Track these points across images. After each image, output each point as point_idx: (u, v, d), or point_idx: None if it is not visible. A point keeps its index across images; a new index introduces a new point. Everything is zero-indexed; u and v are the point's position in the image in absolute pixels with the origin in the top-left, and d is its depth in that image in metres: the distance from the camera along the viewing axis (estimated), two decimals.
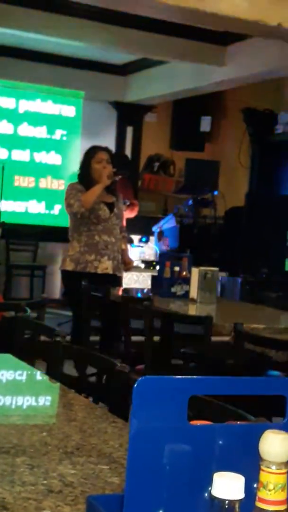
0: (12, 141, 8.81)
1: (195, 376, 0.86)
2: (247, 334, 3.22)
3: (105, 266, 4.83)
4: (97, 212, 4.80)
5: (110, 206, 4.89)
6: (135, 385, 0.83)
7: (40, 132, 8.96)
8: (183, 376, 0.85)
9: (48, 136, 9.01)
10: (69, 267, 4.85)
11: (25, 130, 8.88)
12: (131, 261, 5.23)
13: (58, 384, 2.09)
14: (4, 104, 8.80)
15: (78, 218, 4.80)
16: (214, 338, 3.55)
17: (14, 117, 8.83)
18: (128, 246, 6.15)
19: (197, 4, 4.95)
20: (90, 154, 4.94)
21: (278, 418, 2.72)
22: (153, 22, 6.47)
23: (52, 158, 9.01)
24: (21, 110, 8.87)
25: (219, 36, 6.95)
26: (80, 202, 4.71)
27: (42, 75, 8.44)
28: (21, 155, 8.85)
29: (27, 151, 8.89)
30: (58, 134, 9.06)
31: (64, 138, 9.09)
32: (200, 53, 7.42)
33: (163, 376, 0.85)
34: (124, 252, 5.07)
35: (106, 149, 4.98)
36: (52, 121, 9.02)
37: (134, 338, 4.05)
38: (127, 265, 5.08)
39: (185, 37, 7.16)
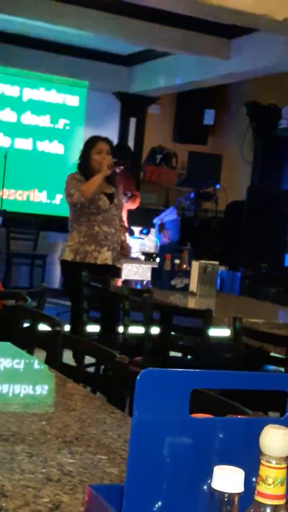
0: (15, 130, 8.79)
1: (197, 370, 0.86)
2: (246, 328, 3.23)
3: (105, 256, 4.83)
4: (97, 202, 4.80)
5: (110, 197, 4.90)
6: (138, 377, 0.83)
7: (44, 121, 8.95)
8: (186, 369, 0.85)
9: (51, 125, 8.99)
10: (69, 257, 4.85)
11: (29, 118, 8.87)
12: (128, 247, 5.25)
13: (57, 374, 2.10)
14: (8, 92, 8.77)
15: (78, 208, 4.80)
16: (213, 331, 3.56)
17: (17, 105, 8.81)
18: (128, 237, 6.16)
19: None
20: (90, 144, 4.94)
21: (274, 413, 2.72)
22: (159, 14, 6.45)
23: (55, 147, 9.00)
24: (24, 99, 8.85)
25: (224, 29, 6.93)
26: (80, 192, 4.71)
27: (47, 64, 8.42)
28: (24, 143, 8.84)
29: (30, 140, 8.87)
30: (62, 123, 9.05)
31: (67, 127, 9.08)
32: (205, 46, 7.40)
33: (165, 369, 0.85)
34: (123, 241, 5.09)
35: (106, 140, 4.98)
36: (55, 110, 9.00)
37: (132, 329, 4.06)
38: (124, 250, 5.08)
39: (190, 29, 7.15)
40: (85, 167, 4.85)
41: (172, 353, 3.96)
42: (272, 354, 3.33)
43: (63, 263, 4.98)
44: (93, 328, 4.51)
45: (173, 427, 0.85)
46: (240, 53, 7.32)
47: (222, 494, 0.79)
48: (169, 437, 0.84)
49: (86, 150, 4.92)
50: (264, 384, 0.91)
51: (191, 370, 0.86)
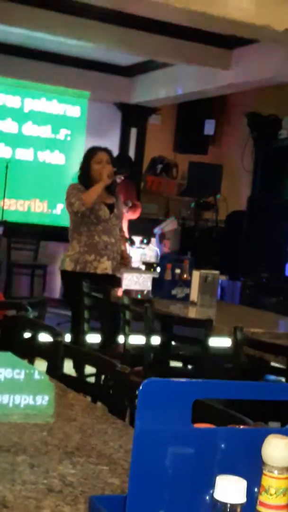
0: (16, 140, 8.81)
1: (199, 380, 0.86)
2: (247, 338, 3.22)
3: (105, 266, 4.84)
4: (97, 212, 4.82)
5: (110, 207, 4.91)
6: (140, 387, 0.83)
7: (45, 131, 8.96)
8: (188, 379, 0.85)
9: (53, 136, 9.01)
10: (69, 267, 4.86)
11: (30, 129, 8.89)
12: (128, 257, 5.26)
13: (58, 384, 2.10)
14: (9, 103, 8.80)
15: (79, 218, 4.81)
16: (213, 341, 3.56)
17: (18, 116, 8.83)
18: (128, 246, 6.16)
19: (205, 7, 4.96)
20: (90, 155, 4.96)
21: (275, 423, 2.72)
22: (159, 24, 6.48)
23: (56, 157, 9.01)
24: (26, 109, 8.87)
25: (225, 39, 6.95)
26: (81, 201, 4.73)
27: (48, 75, 8.44)
28: (25, 154, 8.85)
29: (31, 150, 8.89)
30: (63, 133, 9.06)
31: (68, 138, 9.09)
32: (206, 56, 7.42)
33: (168, 379, 0.85)
34: (123, 251, 5.10)
35: (105, 150, 5.01)
36: (56, 121, 9.02)
37: (133, 339, 4.05)
38: (124, 260, 5.09)
39: (191, 40, 7.17)
40: (86, 178, 4.87)
41: (173, 363, 3.95)
42: (272, 364, 3.32)
43: (64, 273, 4.98)
44: (93, 338, 4.51)
45: (175, 437, 0.85)
46: (241, 64, 7.34)
47: (224, 504, 0.78)
48: (171, 447, 0.84)
49: (86, 161, 4.95)
50: (265, 394, 0.91)
51: (193, 380, 0.86)
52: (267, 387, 0.92)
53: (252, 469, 0.83)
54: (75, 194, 4.80)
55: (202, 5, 4.96)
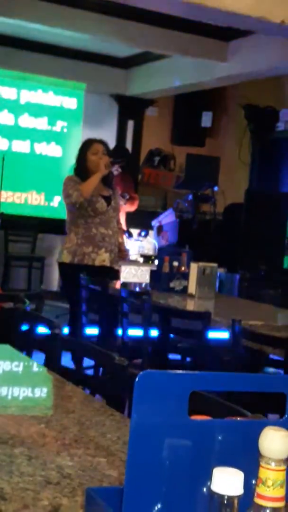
0: (13, 132, 8.79)
1: (196, 372, 0.86)
2: (245, 330, 3.23)
3: (103, 258, 4.84)
4: (94, 204, 4.82)
5: (107, 199, 4.92)
6: (137, 379, 0.83)
7: (41, 123, 8.94)
8: (185, 371, 0.85)
9: (49, 128, 8.99)
10: (67, 259, 4.86)
11: (26, 121, 8.87)
12: (125, 250, 5.27)
13: (56, 376, 2.10)
14: (5, 95, 8.77)
15: (77, 209, 4.81)
16: (211, 333, 3.56)
17: (15, 107, 8.81)
18: (126, 239, 6.15)
19: None
20: (86, 146, 4.97)
21: (274, 415, 2.72)
22: (156, 16, 6.45)
23: (52, 149, 9.00)
24: (22, 101, 8.85)
25: (222, 31, 6.93)
26: (79, 192, 4.73)
27: (44, 66, 8.42)
28: (21, 146, 8.84)
29: (28, 142, 8.87)
30: (59, 125, 9.05)
31: (65, 130, 9.07)
32: (202, 48, 7.40)
33: (164, 370, 0.85)
34: (120, 243, 5.10)
35: (101, 141, 5.01)
36: (53, 113, 9.00)
37: (131, 331, 4.06)
38: (121, 253, 5.10)
39: (188, 31, 7.15)
40: (82, 169, 4.87)
41: (171, 355, 3.96)
42: (271, 356, 3.33)
43: (61, 265, 4.98)
44: (92, 330, 4.51)
45: (172, 429, 0.85)
46: (237, 56, 7.33)
47: (221, 496, 0.79)
48: (168, 439, 0.84)
49: (82, 153, 4.95)
50: (263, 386, 0.91)
51: (190, 372, 0.85)
52: (263, 379, 0.92)
53: (249, 461, 0.84)
54: (72, 185, 4.80)
55: None
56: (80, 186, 4.76)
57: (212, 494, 0.79)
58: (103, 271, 4.78)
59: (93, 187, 4.76)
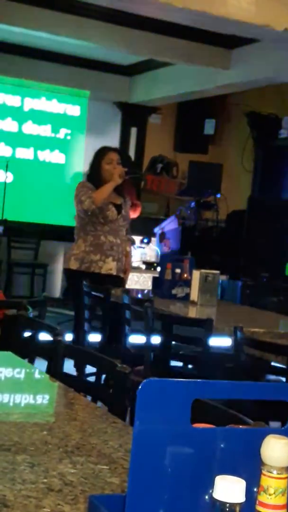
0: (17, 139, 8.81)
1: (199, 380, 0.87)
2: (247, 338, 3.23)
3: (110, 266, 4.84)
4: (105, 212, 4.81)
5: (118, 208, 4.91)
6: (139, 387, 0.83)
7: (45, 130, 8.97)
8: (187, 380, 0.86)
9: (53, 135, 9.01)
10: (74, 266, 4.86)
11: (30, 128, 8.89)
12: (129, 265, 5.24)
13: (58, 383, 2.10)
14: (9, 102, 8.80)
15: (87, 216, 4.80)
16: (213, 340, 3.56)
17: (19, 115, 8.83)
18: (132, 248, 6.15)
19: (205, 7, 4.96)
20: (100, 155, 4.95)
21: (275, 423, 2.72)
22: (159, 24, 6.48)
23: (56, 157, 9.02)
24: (26, 108, 8.87)
25: (225, 39, 6.95)
26: (91, 199, 4.73)
27: (48, 74, 8.44)
28: (25, 153, 8.86)
29: (31, 149, 8.89)
30: (63, 133, 9.07)
31: (69, 137, 9.10)
32: (206, 56, 7.42)
33: (167, 379, 0.85)
34: (126, 257, 5.08)
35: (116, 150, 5.00)
36: (56, 120, 9.02)
37: (133, 339, 4.05)
38: (126, 263, 5.09)
39: (191, 39, 7.17)
40: (96, 177, 4.86)
41: (173, 363, 3.95)
42: (273, 363, 3.33)
43: (68, 271, 4.97)
44: (94, 337, 4.51)
45: (175, 437, 0.85)
46: (241, 63, 7.34)
47: (223, 504, 0.79)
48: (171, 447, 0.85)
49: (97, 161, 4.93)
50: (265, 394, 0.92)
51: (193, 380, 0.86)
52: (265, 387, 0.92)
53: (251, 469, 0.84)
54: (85, 192, 4.79)
55: (202, 5, 4.96)
56: (93, 193, 4.75)
57: (214, 501, 0.79)
58: (110, 279, 4.77)
59: (106, 196, 4.75)
